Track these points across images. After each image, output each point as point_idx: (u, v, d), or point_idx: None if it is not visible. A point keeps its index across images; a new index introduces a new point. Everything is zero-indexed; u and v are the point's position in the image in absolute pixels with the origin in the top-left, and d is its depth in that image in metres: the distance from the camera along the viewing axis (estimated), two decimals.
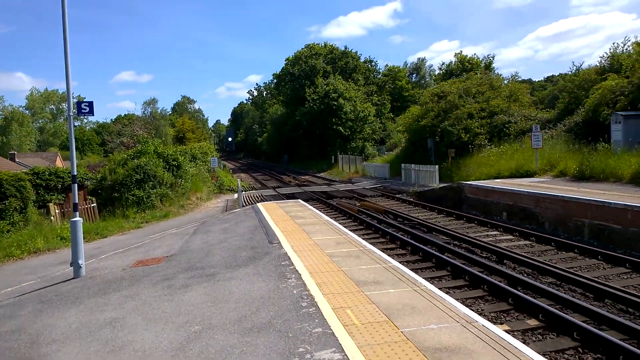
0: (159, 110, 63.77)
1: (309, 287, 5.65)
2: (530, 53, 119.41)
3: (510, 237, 10.72)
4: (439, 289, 7.12)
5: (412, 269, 8.21)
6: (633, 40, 21.05)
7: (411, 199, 17.84)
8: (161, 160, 19.95)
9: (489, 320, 5.91)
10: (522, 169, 16.42)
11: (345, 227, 11.32)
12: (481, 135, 21.63)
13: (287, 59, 53.70)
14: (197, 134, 59.81)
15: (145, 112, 61.28)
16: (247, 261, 7.27)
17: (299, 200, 16.24)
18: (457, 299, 6.60)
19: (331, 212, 15.69)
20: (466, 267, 7.81)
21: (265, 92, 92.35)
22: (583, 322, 5.49)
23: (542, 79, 62.67)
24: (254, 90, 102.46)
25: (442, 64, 42.26)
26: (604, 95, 16.53)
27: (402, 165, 24.47)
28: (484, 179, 16.66)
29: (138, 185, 17.87)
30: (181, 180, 20.28)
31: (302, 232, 9.26)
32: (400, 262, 8.62)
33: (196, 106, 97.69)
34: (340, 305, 4.99)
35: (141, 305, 5.66)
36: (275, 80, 60.08)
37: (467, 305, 6.43)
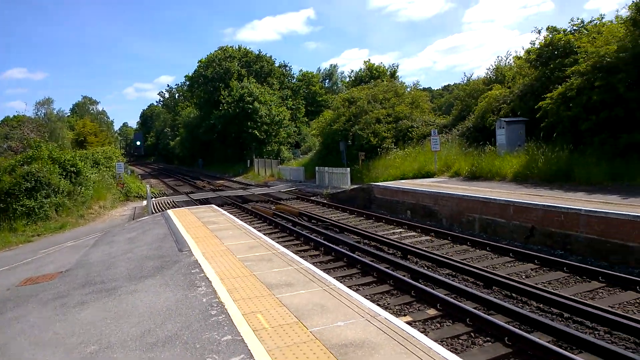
0: (55, 112, 57.85)
1: (220, 294, 5.56)
2: (430, 63, 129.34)
3: (414, 233, 11.49)
4: (348, 286, 7.39)
5: (324, 269, 8.43)
6: (514, 54, 23.78)
7: (325, 201, 18.29)
8: (57, 166, 18.18)
9: (394, 313, 6.28)
10: (423, 170, 17.70)
11: (259, 231, 11.28)
12: (388, 139, 22.92)
13: (200, 61, 52.03)
14: (101, 137, 55.30)
15: (39, 113, 55.21)
16: (154, 271, 6.94)
17: (213, 205, 15.83)
18: (364, 295, 6.91)
19: (246, 217, 15.52)
20: (374, 264, 8.20)
21: (177, 94, 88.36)
22: (474, 308, 6.06)
23: (440, 87, 67.95)
24: (166, 92, 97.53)
25: (352, 72, 44.00)
26: (490, 104, 18.46)
27: (316, 168, 24.98)
28: (391, 180, 17.66)
29: (29, 194, 16.10)
30: (81, 188, 18.66)
31: (214, 238, 9.05)
32: (313, 263, 8.83)
33: (100, 107, 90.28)
34: (251, 310, 4.98)
35: (29, 328, 5.13)
36: (188, 82, 57.82)
37: (374, 301, 6.80)
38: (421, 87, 49.62)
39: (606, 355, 4.60)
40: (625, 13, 14.86)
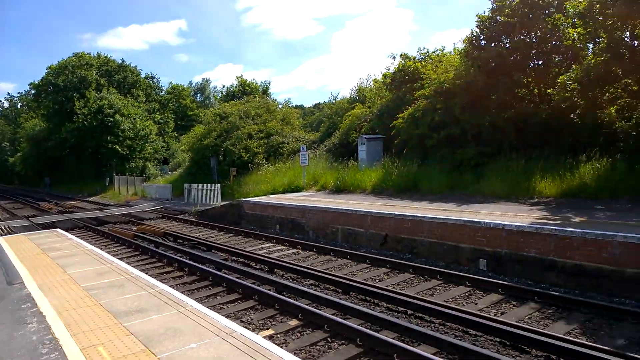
0: None
1: (54, 329, 4.87)
2: (302, 82, 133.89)
3: (282, 247, 11.68)
4: (212, 306, 7.22)
5: (187, 290, 8.09)
6: (373, 77, 26.19)
7: (193, 219, 17.57)
8: None
9: (257, 328, 6.27)
10: (293, 184, 18.22)
11: (116, 255, 10.35)
12: (260, 155, 23.20)
13: (50, 67, 46.07)
14: None
15: None
16: None
17: (58, 229, 13.95)
18: (228, 313, 6.81)
19: (100, 240, 14.06)
20: (240, 281, 8.11)
21: (20, 104, 76.77)
22: (333, 314, 6.36)
23: (312, 105, 70.82)
24: (5, 101, 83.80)
25: (223, 87, 43.63)
26: (353, 122, 19.98)
27: (185, 185, 23.93)
28: (262, 195, 17.75)
29: None
30: None
31: (55, 267, 7.95)
32: (175, 285, 8.43)
33: None
34: (92, 343, 4.46)
35: None
36: (34, 91, 50.72)
37: (238, 318, 6.70)
38: (293, 105, 51.45)
39: (439, 344, 5.20)
40: (461, 46, 17.47)
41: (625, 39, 11.07)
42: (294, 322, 6.37)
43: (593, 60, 11.66)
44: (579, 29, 12.54)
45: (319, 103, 62.42)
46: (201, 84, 67.73)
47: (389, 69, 21.41)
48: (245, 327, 6.28)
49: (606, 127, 12.36)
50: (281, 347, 5.66)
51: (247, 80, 42.57)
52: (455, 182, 13.75)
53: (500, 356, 4.80)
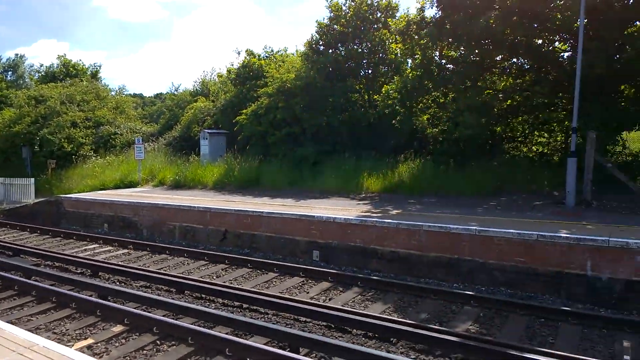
0: None
1: None
2: (143, 69, 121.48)
3: (110, 248, 10.60)
4: (17, 319, 6.30)
5: None
6: (218, 70, 25.66)
7: None
8: None
9: (73, 339, 5.65)
10: (126, 179, 16.66)
11: None
12: (86, 146, 20.66)
13: None
14: None
15: None
16: None
17: None
18: (36, 326, 6.02)
19: None
20: (54, 288, 7.14)
21: None
22: (164, 316, 6.02)
23: (152, 95, 65.62)
24: None
25: (42, 66, 37.34)
26: (195, 115, 19.26)
27: None
28: (88, 191, 15.85)
29: None
30: None
31: None
32: None
33: None
34: None
35: None
36: None
37: (49, 330, 5.93)
38: (131, 93, 46.99)
39: (270, 333, 5.35)
40: (302, 48, 18.28)
41: (435, 57, 13.07)
42: (118, 328, 5.85)
43: (410, 74, 13.50)
44: (400, 45, 14.35)
45: (161, 93, 58.29)
46: (14, 60, 56.69)
47: (233, 65, 21.27)
48: (59, 339, 5.57)
49: (420, 132, 14.44)
50: (100, 356, 5.15)
51: (73, 61, 37.00)
52: (295, 178, 14.38)
53: (325, 338, 5.17)
